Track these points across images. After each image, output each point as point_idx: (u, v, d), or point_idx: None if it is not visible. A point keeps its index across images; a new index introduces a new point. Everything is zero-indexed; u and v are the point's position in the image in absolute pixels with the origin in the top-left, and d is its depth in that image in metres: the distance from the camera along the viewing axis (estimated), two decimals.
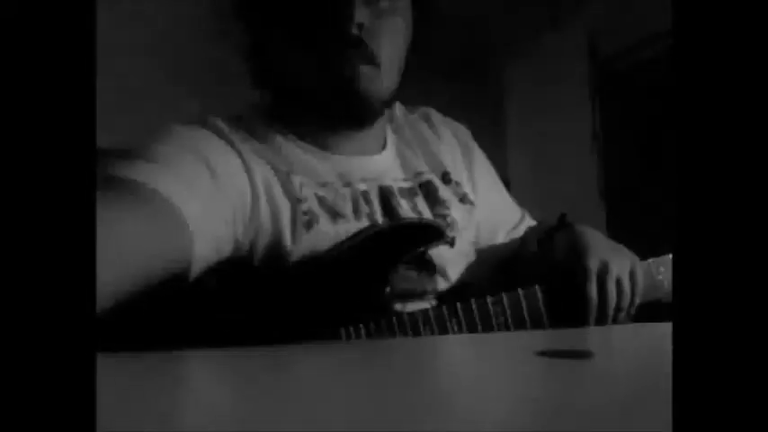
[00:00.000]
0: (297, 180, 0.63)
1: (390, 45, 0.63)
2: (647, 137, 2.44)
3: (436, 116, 0.81)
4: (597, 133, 2.74)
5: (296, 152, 0.65)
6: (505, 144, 3.33)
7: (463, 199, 0.74)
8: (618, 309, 0.64)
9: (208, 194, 0.55)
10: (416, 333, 0.58)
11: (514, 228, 0.83)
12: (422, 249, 0.62)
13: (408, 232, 0.63)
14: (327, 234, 0.61)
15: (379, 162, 0.70)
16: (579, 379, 0.30)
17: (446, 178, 0.74)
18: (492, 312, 0.61)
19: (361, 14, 0.59)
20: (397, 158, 0.73)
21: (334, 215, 0.63)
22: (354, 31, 0.59)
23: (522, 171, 3.20)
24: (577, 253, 0.64)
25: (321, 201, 0.63)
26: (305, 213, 0.61)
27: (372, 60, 0.61)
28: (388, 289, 0.60)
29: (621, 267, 0.64)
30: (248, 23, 0.67)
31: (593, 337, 0.54)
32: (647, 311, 0.68)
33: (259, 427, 0.20)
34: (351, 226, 0.63)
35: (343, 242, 0.61)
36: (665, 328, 0.49)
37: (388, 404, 0.24)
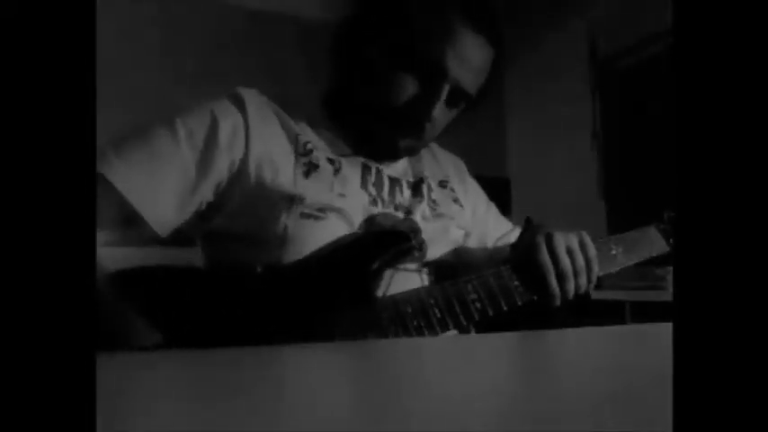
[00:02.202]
0: (302, 140, 0.73)
1: (440, 127, 0.77)
2: (647, 136, 2.44)
3: (438, 149, 0.95)
4: (597, 132, 2.74)
5: (321, 132, 0.77)
6: (506, 143, 3.33)
7: (455, 201, 0.88)
8: (575, 273, 0.71)
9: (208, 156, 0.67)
10: (400, 314, 0.65)
11: (502, 236, 0.94)
12: (394, 251, 0.70)
13: (384, 237, 0.71)
14: (326, 181, 0.71)
15: (392, 163, 0.83)
16: (579, 379, 0.30)
17: (442, 184, 0.88)
18: (464, 290, 0.69)
19: (437, 112, 0.72)
20: (408, 166, 0.86)
21: (337, 172, 0.73)
22: (426, 123, 0.73)
23: (522, 170, 3.20)
24: (531, 237, 0.74)
25: (331, 161, 0.73)
26: (305, 164, 0.71)
27: (420, 138, 0.76)
28: (373, 282, 0.67)
29: (568, 238, 0.72)
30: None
31: (593, 337, 0.54)
32: (647, 311, 0.71)
33: (259, 428, 0.20)
34: (351, 190, 0.73)
35: (329, 244, 0.69)
36: (665, 328, 0.49)
37: (378, 406, 0.24)
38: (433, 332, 0.66)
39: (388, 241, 0.69)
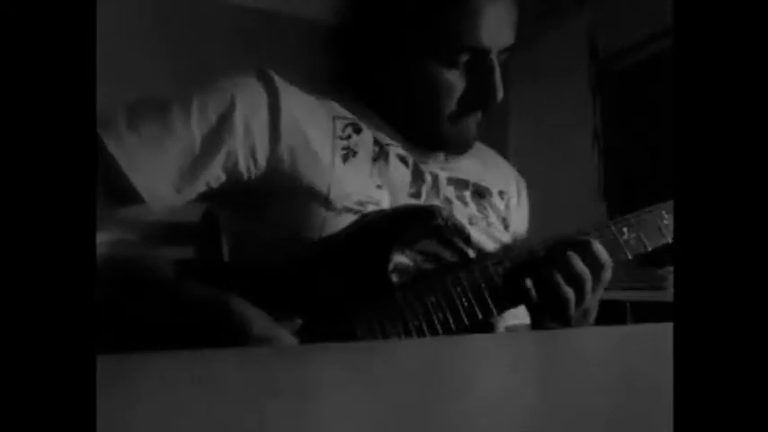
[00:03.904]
0: (339, 124, 0.70)
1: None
2: (647, 136, 2.44)
3: (496, 157, 0.93)
4: (597, 132, 2.74)
5: (362, 118, 0.73)
6: (506, 143, 3.33)
7: (508, 206, 0.85)
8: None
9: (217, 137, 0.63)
10: (423, 303, 0.61)
11: None
12: (417, 232, 0.65)
13: (403, 217, 0.66)
14: (364, 170, 0.68)
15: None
16: (579, 380, 0.30)
17: (501, 195, 0.84)
18: (494, 273, 0.64)
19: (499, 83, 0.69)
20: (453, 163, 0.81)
21: (377, 158, 0.70)
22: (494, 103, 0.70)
23: (522, 170, 3.19)
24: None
25: (379, 143, 0.71)
26: (343, 149, 0.68)
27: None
28: (390, 266, 0.62)
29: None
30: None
31: (593, 337, 0.54)
32: (648, 311, 0.70)
33: (263, 429, 0.20)
34: (393, 180, 0.70)
35: (345, 228, 0.64)
36: (666, 329, 0.49)
37: (388, 408, 0.24)
38: (460, 323, 0.61)
39: (406, 221, 0.64)
